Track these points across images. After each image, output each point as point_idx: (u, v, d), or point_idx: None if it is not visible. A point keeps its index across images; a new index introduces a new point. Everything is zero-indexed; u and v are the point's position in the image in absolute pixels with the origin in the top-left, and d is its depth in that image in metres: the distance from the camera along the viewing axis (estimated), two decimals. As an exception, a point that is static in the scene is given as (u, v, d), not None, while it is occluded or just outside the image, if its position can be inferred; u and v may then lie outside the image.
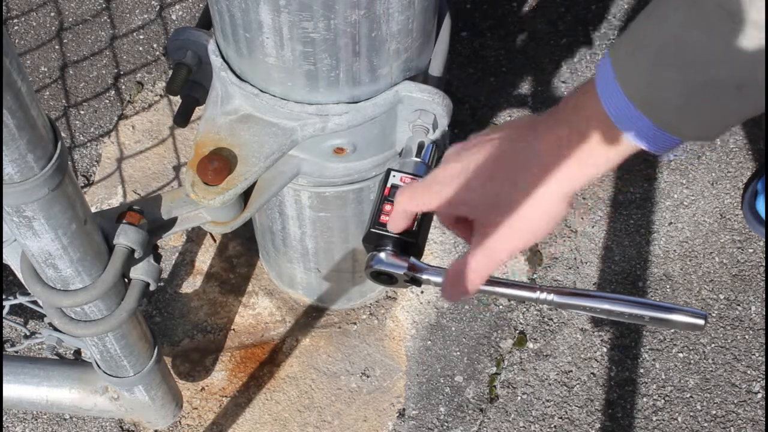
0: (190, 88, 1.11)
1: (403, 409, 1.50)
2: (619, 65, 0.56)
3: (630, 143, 0.58)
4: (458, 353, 1.55)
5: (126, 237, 0.91)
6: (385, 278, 0.79)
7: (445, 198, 0.66)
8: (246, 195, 1.05)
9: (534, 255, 1.63)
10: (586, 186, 0.60)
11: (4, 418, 1.49)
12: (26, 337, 1.43)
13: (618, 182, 1.70)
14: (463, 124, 1.77)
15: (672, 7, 0.54)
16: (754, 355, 1.54)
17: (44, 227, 0.79)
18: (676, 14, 0.54)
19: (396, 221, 0.76)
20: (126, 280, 0.98)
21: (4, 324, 1.54)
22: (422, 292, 1.60)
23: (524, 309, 1.59)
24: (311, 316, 1.59)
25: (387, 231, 0.81)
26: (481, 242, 0.65)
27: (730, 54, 0.52)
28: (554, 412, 1.50)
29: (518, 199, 0.62)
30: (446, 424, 1.49)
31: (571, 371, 1.53)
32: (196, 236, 1.65)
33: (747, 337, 1.55)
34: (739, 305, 1.58)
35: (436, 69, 1.05)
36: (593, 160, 0.59)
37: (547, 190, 0.61)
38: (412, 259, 0.79)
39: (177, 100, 1.74)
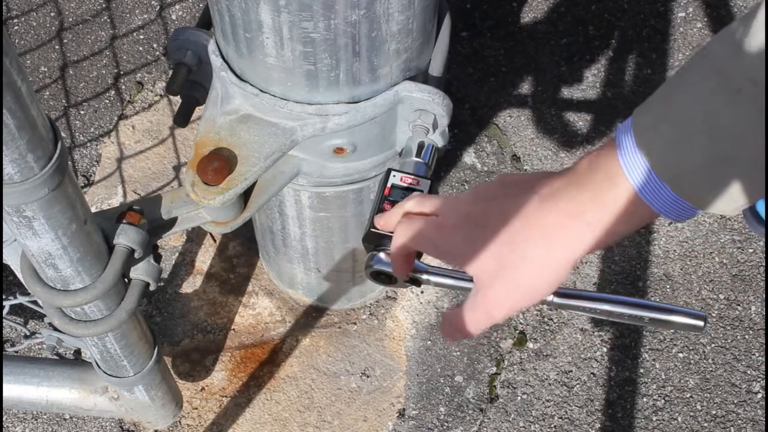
0: (190, 88, 1.11)
1: (403, 409, 1.50)
2: (642, 134, 0.56)
3: (650, 212, 0.57)
4: (458, 353, 1.55)
5: (126, 237, 0.91)
6: (384, 278, 0.79)
7: (447, 248, 0.65)
8: (246, 195, 1.05)
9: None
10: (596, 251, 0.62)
11: (4, 418, 1.49)
12: (26, 337, 1.43)
13: (618, 182, 1.70)
14: (463, 124, 1.77)
15: (700, 77, 0.53)
16: (754, 355, 1.54)
17: (44, 227, 0.79)
18: (703, 84, 0.53)
19: (394, 254, 0.72)
20: (126, 280, 0.98)
21: (4, 324, 1.54)
22: (422, 292, 1.60)
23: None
24: (311, 316, 1.59)
25: (387, 231, 0.81)
26: (482, 297, 0.64)
27: (759, 132, 0.51)
28: (554, 412, 1.50)
29: (527, 264, 0.62)
30: (446, 424, 1.49)
31: (571, 371, 1.53)
32: (196, 236, 1.65)
33: (747, 337, 1.55)
34: (739, 305, 1.58)
35: (436, 69, 1.05)
36: (611, 228, 0.59)
37: (558, 255, 0.61)
38: (412, 259, 0.79)
39: (177, 100, 1.74)
